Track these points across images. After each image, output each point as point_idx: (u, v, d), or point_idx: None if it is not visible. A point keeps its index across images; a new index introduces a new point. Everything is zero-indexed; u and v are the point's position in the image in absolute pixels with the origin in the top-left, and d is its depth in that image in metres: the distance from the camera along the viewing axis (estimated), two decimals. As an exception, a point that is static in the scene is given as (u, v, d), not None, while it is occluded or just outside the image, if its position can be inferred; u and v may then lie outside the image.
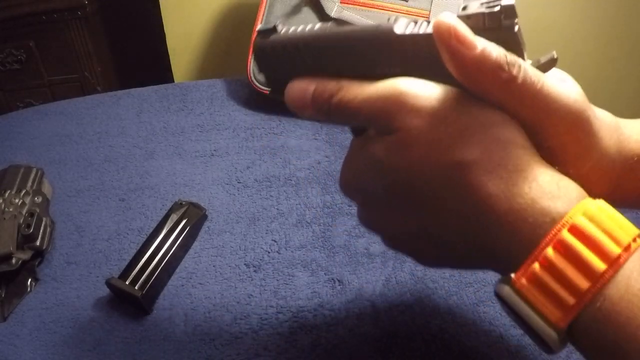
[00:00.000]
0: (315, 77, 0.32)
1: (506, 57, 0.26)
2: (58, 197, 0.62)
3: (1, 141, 0.72)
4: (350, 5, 0.77)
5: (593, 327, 0.23)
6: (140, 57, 1.59)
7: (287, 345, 0.45)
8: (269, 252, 0.54)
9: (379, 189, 0.31)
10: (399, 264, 0.52)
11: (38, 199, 0.57)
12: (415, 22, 0.29)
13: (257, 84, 0.77)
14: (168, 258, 0.50)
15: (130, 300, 0.48)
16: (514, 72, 0.26)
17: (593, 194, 0.26)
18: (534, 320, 0.25)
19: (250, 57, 0.78)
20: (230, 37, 1.31)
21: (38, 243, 0.53)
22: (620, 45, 1.41)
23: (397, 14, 0.77)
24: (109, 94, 0.83)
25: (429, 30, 0.28)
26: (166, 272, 0.51)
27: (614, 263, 0.23)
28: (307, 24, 0.33)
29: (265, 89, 0.76)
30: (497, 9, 0.26)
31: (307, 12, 0.77)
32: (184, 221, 0.54)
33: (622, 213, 0.26)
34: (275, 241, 0.55)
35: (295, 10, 0.77)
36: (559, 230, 0.24)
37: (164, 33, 1.29)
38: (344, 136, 0.70)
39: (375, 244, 0.54)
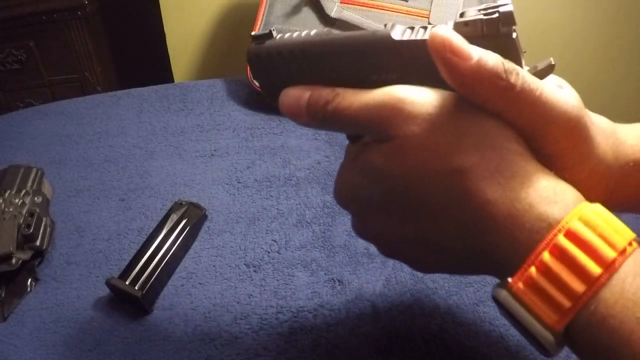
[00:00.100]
0: (309, 84, 0.32)
1: (504, 65, 0.26)
2: (58, 197, 0.62)
3: (1, 141, 0.72)
4: (350, 5, 0.77)
5: (588, 331, 0.24)
6: (140, 57, 1.59)
7: (287, 345, 0.45)
8: (269, 252, 0.54)
9: (375, 196, 0.30)
10: (399, 264, 0.52)
11: (38, 199, 0.57)
12: (412, 29, 0.29)
13: (257, 84, 0.77)
14: (168, 258, 0.50)
15: (130, 300, 0.48)
16: (512, 80, 0.26)
17: (590, 199, 0.27)
18: (530, 323, 0.25)
19: (250, 57, 0.78)
20: (230, 37, 1.31)
21: (38, 243, 0.53)
22: (620, 46, 1.41)
23: (397, 14, 0.77)
24: (109, 94, 0.83)
25: (426, 36, 0.28)
26: (166, 272, 0.51)
27: (609, 267, 0.23)
28: (303, 30, 0.33)
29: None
30: (495, 16, 0.26)
31: (307, 12, 0.77)
32: (184, 221, 0.54)
33: (620, 216, 0.26)
34: (275, 241, 0.55)
35: (295, 11, 0.77)
36: (555, 235, 0.24)
37: (164, 33, 1.29)
38: (344, 136, 0.70)
39: (375, 244, 0.54)
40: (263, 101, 0.77)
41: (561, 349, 0.25)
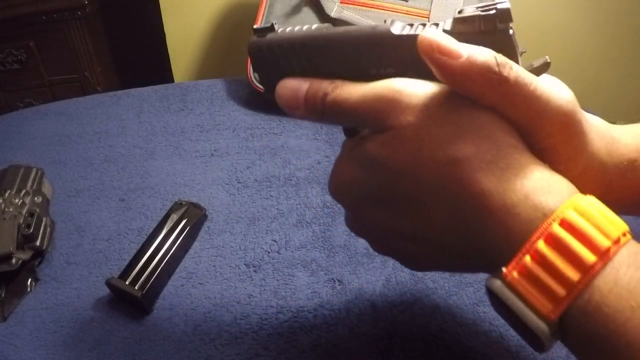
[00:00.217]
0: (307, 76, 0.32)
1: (496, 59, 0.26)
2: (58, 197, 0.62)
3: (1, 141, 0.72)
4: (350, 5, 0.77)
5: (582, 320, 0.24)
6: (140, 57, 1.59)
7: (287, 345, 0.45)
8: (269, 252, 0.54)
9: (371, 188, 0.31)
10: (399, 264, 0.52)
11: (38, 199, 0.57)
12: (411, 25, 0.29)
13: (257, 84, 0.77)
14: (168, 258, 0.50)
15: (130, 300, 0.48)
16: (505, 73, 0.26)
17: (585, 194, 0.27)
18: (525, 313, 0.25)
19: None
20: (230, 37, 1.31)
21: (38, 243, 0.53)
22: (620, 46, 1.42)
23: (397, 14, 0.77)
24: (109, 94, 0.83)
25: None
26: (166, 272, 0.51)
27: (604, 255, 0.24)
28: (304, 24, 0.33)
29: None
30: (492, 12, 0.27)
31: (307, 12, 0.77)
32: (184, 221, 0.54)
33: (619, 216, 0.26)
34: (275, 241, 0.55)
35: (295, 10, 0.77)
36: (550, 225, 0.25)
37: (164, 33, 1.29)
38: (344, 136, 0.70)
39: (375, 244, 0.54)
40: (263, 101, 0.77)
41: (555, 341, 0.25)
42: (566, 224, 0.24)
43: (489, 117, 0.28)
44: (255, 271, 0.52)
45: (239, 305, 0.49)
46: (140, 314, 0.48)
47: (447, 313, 0.47)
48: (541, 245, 0.25)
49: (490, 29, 0.27)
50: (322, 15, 0.76)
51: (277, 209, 0.60)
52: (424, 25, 0.29)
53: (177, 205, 0.56)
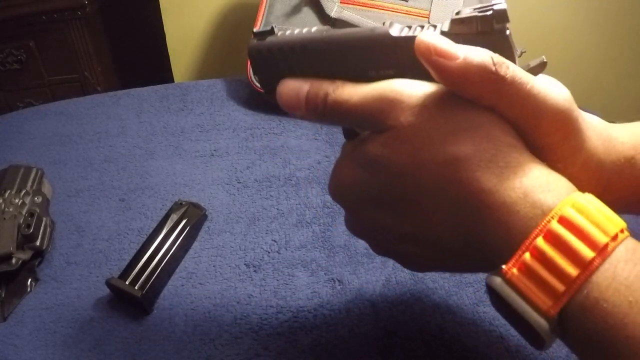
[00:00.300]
0: (308, 77, 0.33)
1: (492, 59, 0.27)
2: (58, 197, 0.62)
3: (1, 141, 0.72)
4: (350, 5, 0.77)
5: (581, 316, 0.24)
6: (140, 57, 1.59)
7: (287, 345, 0.45)
8: (269, 252, 0.54)
9: (371, 188, 0.31)
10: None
11: (38, 199, 0.57)
12: (409, 27, 0.30)
13: (257, 84, 0.77)
14: (168, 258, 0.50)
15: (130, 300, 0.48)
16: (502, 72, 0.27)
17: (583, 192, 0.27)
18: (525, 310, 0.25)
19: (250, 57, 0.78)
20: (230, 37, 1.31)
21: (38, 243, 0.53)
22: (620, 46, 1.42)
23: (397, 14, 0.77)
24: (109, 94, 0.83)
25: None
26: (166, 272, 0.51)
27: (602, 251, 0.24)
28: (304, 27, 0.34)
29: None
30: (489, 13, 0.27)
31: (307, 12, 0.77)
32: (184, 221, 0.54)
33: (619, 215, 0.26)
34: (275, 241, 0.55)
35: (295, 10, 0.77)
36: (549, 222, 0.25)
37: (164, 33, 1.29)
38: (344, 136, 0.70)
39: (375, 244, 0.54)
40: (263, 101, 0.77)
41: (554, 338, 0.25)
42: (565, 221, 0.25)
43: (487, 117, 0.28)
44: (255, 271, 0.52)
45: (239, 305, 0.49)
46: (140, 314, 0.48)
47: (447, 313, 0.47)
48: (540, 242, 0.25)
49: (487, 30, 0.27)
50: (322, 15, 0.76)
51: (277, 209, 0.60)
52: (422, 27, 0.29)
53: (177, 205, 0.56)
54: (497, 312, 0.42)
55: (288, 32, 0.34)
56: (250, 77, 0.77)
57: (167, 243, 0.52)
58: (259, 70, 0.37)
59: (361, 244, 0.54)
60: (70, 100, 0.82)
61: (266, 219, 0.58)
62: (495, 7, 0.27)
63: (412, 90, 0.29)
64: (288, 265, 0.52)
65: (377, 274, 0.51)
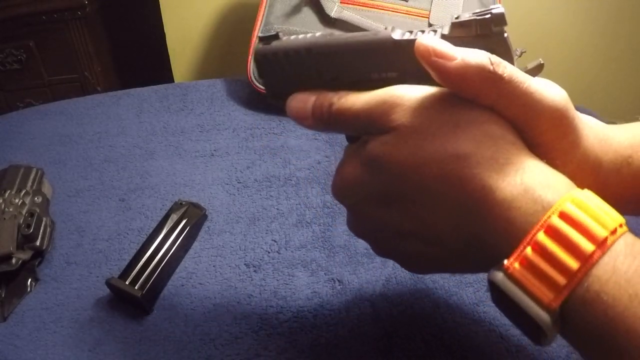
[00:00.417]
0: (314, 86, 0.34)
1: (490, 59, 0.27)
2: (58, 197, 0.62)
3: (1, 141, 0.72)
4: (350, 5, 0.76)
5: (582, 309, 0.24)
6: (140, 57, 1.59)
7: (287, 345, 0.45)
8: (269, 252, 0.54)
9: (373, 187, 0.32)
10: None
11: (38, 199, 0.57)
12: (411, 32, 0.31)
13: (257, 84, 0.77)
14: (168, 258, 0.50)
15: (130, 300, 0.48)
16: (499, 70, 0.27)
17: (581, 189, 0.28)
18: (527, 304, 0.25)
19: (250, 57, 0.78)
20: (230, 37, 1.31)
21: (38, 243, 0.53)
22: (620, 46, 1.42)
23: (397, 14, 0.77)
24: (109, 94, 0.83)
25: None
26: (166, 272, 0.51)
27: (602, 245, 0.24)
28: (303, 27, 0.35)
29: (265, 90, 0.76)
30: (487, 16, 0.28)
31: (307, 12, 0.77)
32: (184, 221, 0.54)
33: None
34: (275, 241, 0.55)
35: (295, 10, 0.77)
36: (550, 217, 0.25)
37: (164, 33, 1.29)
38: (344, 136, 0.70)
39: (375, 244, 0.54)
40: (263, 101, 0.77)
41: (555, 334, 0.25)
42: (565, 216, 0.25)
43: (487, 116, 0.29)
44: (255, 271, 0.52)
45: (239, 305, 0.49)
46: (140, 314, 0.48)
47: (447, 313, 0.47)
48: (541, 236, 0.25)
49: (486, 33, 0.29)
50: (322, 15, 0.76)
51: (277, 209, 0.60)
52: (423, 31, 0.31)
53: (177, 205, 0.56)
54: (497, 313, 0.42)
55: (293, 37, 0.35)
56: (251, 77, 0.77)
57: (167, 243, 0.52)
58: (264, 74, 0.38)
59: (361, 244, 0.54)
60: (70, 100, 0.82)
61: (266, 219, 0.58)
62: (493, 11, 0.28)
63: (413, 93, 0.30)
64: (288, 265, 0.52)
65: (377, 274, 0.51)
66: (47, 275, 0.52)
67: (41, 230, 0.54)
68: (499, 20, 0.28)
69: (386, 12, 0.77)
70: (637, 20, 1.37)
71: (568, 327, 0.25)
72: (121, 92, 0.83)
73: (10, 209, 0.54)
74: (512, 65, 0.28)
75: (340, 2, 0.76)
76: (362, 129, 0.32)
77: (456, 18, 0.29)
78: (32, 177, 0.60)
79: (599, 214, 0.25)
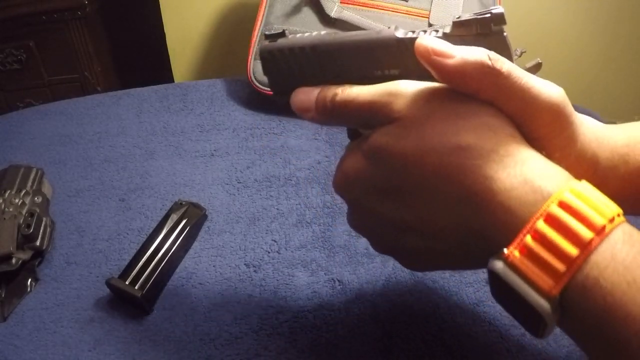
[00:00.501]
0: (318, 81, 0.35)
1: (488, 55, 0.28)
2: (58, 197, 0.62)
3: (1, 141, 0.72)
4: (350, 5, 0.76)
5: (582, 296, 0.25)
6: (140, 57, 1.59)
7: (287, 345, 0.45)
8: (269, 252, 0.54)
9: (375, 179, 0.32)
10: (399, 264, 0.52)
11: (38, 199, 0.57)
12: (413, 32, 0.32)
13: (257, 84, 0.77)
14: (168, 258, 0.50)
15: (130, 300, 0.48)
16: (498, 65, 0.28)
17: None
18: (527, 292, 0.26)
19: (250, 57, 0.78)
20: (230, 37, 1.31)
21: (38, 243, 0.53)
22: (621, 46, 1.42)
23: (397, 14, 0.77)
24: (109, 94, 0.83)
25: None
26: (166, 272, 0.51)
27: (600, 232, 0.25)
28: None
29: (266, 90, 0.76)
30: (487, 16, 0.29)
31: (307, 12, 0.77)
32: (184, 221, 0.54)
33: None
34: (275, 241, 0.55)
35: (295, 10, 0.77)
36: (549, 206, 0.26)
37: (164, 33, 1.29)
38: (344, 136, 0.70)
39: (375, 244, 0.54)
40: (263, 101, 0.77)
41: (554, 325, 0.26)
42: (564, 205, 0.26)
43: (488, 110, 0.30)
44: (255, 271, 0.52)
45: (239, 305, 0.49)
46: (140, 314, 0.48)
47: (447, 313, 0.47)
48: (541, 224, 0.26)
49: (486, 31, 0.30)
50: (322, 15, 0.76)
51: (277, 209, 0.60)
52: (425, 31, 0.32)
53: (177, 205, 0.56)
54: (497, 313, 0.42)
55: (299, 35, 0.36)
56: (250, 77, 0.77)
57: (167, 243, 0.52)
58: (269, 71, 0.38)
59: (361, 244, 0.54)
60: (70, 100, 0.82)
61: (266, 219, 0.58)
62: (493, 11, 0.29)
63: (417, 86, 0.31)
64: (288, 265, 0.52)
65: (377, 274, 0.51)
66: (47, 275, 0.52)
67: (41, 230, 0.54)
68: (499, 19, 0.29)
69: (386, 12, 0.77)
70: (637, 20, 1.37)
71: (567, 315, 0.25)
72: (121, 92, 0.83)
73: (10, 209, 0.54)
74: (510, 62, 0.29)
75: (340, 2, 0.76)
76: (364, 120, 0.33)
77: (457, 18, 0.30)
78: (32, 177, 0.60)
79: (597, 203, 0.25)
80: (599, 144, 0.32)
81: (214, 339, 0.46)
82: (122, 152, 0.69)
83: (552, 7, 1.34)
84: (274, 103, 0.75)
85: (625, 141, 0.33)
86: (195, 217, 0.55)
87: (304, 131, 0.72)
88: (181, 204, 0.56)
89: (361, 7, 0.77)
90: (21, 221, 0.53)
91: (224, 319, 0.47)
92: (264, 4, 0.79)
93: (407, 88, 0.31)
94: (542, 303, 0.25)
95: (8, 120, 0.78)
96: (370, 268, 0.52)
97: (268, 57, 0.37)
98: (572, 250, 0.25)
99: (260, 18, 0.79)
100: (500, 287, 0.27)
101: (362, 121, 0.34)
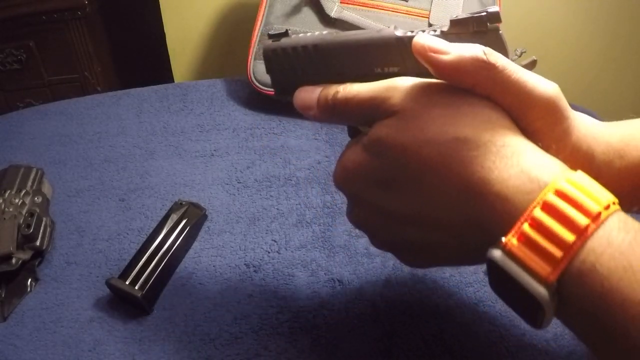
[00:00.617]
0: (320, 80, 0.36)
1: (483, 50, 0.29)
2: (58, 197, 0.62)
3: (1, 141, 0.72)
4: (350, 5, 0.76)
5: (579, 282, 0.25)
6: (140, 57, 1.59)
7: (287, 345, 0.45)
8: (269, 252, 0.54)
9: (375, 171, 0.33)
10: (399, 264, 0.52)
11: (38, 199, 0.57)
12: (412, 31, 0.33)
13: (257, 84, 0.77)
14: (168, 258, 0.50)
15: (130, 300, 0.48)
16: (492, 60, 0.29)
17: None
18: (525, 279, 0.26)
19: (250, 57, 0.78)
20: (230, 37, 1.31)
21: (38, 243, 0.53)
22: (621, 46, 1.42)
23: (397, 13, 0.77)
24: (109, 94, 0.83)
25: None
26: (166, 272, 0.51)
27: (596, 219, 0.25)
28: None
29: (266, 90, 0.76)
30: (483, 14, 0.31)
31: (307, 12, 0.77)
32: (184, 221, 0.54)
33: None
34: (275, 241, 0.55)
35: (295, 10, 0.77)
36: (546, 194, 0.26)
37: (164, 33, 1.29)
38: (344, 136, 0.70)
39: (375, 244, 0.54)
40: (263, 101, 0.77)
41: (553, 313, 0.26)
42: (560, 193, 0.26)
43: (485, 104, 0.31)
44: (255, 271, 0.52)
45: (239, 305, 0.49)
46: (140, 314, 0.48)
47: (447, 313, 0.47)
48: (537, 212, 0.26)
49: (482, 29, 0.31)
50: (322, 15, 0.76)
51: (277, 209, 0.60)
52: (423, 31, 0.33)
53: (177, 205, 0.56)
54: (497, 313, 0.42)
55: (301, 35, 0.37)
56: (250, 77, 0.77)
57: (167, 243, 0.52)
58: (272, 70, 0.39)
59: (361, 244, 0.54)
60: (70, 100, 0.82)
61: (266, 219, 0.58)
62: (489, 10, 0.30)
63: (416, 82, 0.32)
64: (288, 265, 0.52)
65: (377, 274, 0.51)
66: (47, 275, 0.52)
67: (41, 230, 0.54)
68: (494, 18, 0.30)
69: (386, 12, 0.77)
70: (637, 20, 1.37)
71: (565, 302, 0.26)
72: (121, 92, 0.83)
73: (10, 209, 0.54)
74: (505, 57, 0.30)
75: (340, 2, 0.76)
76: (365, 116, 0.34)
77: (455, 17, 0.32)
78: (32, 177, 0.60)
79: (592, 191, 0.26)
80: (594, 138, 0.33)
81: (214, 339, 0.46)
82: (122, 152, 0.69)
83: (552, 7, 1.34)
84: (274, 103, 0.75)
85: (621, 137, 0.34)
86: (195, 217, 0.55)
87: (304, 131, 0.72)
88: (181, 204, 0.56)
89: (361, 7, 0.77)
90: (21, 221, 0.53)
91: (224, 319, 0.47)
92: (264, 4, 0.79)
93: (405, 83, 0.32)
94: (540, 290, 0.25)
95: (8, 120, 0.78)
96: (370, 268, 0.52)
97: (271, 56, 0.38)
98: (568, 236, 0.25)
99: (260, 18, 0.79)
100: (498, 277, 0.27)
101: (363, 117, 0.34)
